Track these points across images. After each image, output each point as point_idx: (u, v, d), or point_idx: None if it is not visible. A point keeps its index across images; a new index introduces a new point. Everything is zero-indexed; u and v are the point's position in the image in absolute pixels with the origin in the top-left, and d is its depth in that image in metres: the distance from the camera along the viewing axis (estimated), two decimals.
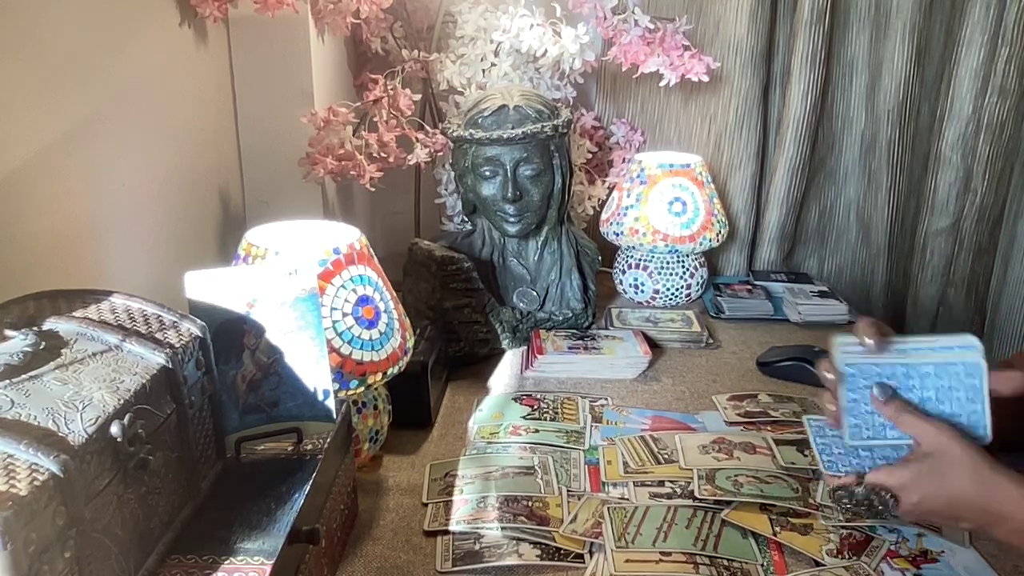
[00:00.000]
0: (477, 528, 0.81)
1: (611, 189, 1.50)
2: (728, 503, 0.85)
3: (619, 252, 1.48)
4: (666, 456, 0.94)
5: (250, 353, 0.73)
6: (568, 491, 0.88)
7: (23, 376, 0.53)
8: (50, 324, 0.59)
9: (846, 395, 0.72)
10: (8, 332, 0.56)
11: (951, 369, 0.71)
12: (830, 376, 0.73)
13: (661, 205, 1.38)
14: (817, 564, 0.77)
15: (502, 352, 1.24)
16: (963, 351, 0.71)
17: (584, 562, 0.77)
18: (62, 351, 0.57)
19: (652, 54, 1.35)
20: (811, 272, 1.61)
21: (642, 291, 1.44)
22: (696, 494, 0.86)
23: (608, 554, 0.77)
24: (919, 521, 0.81)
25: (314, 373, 0.74)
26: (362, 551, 0.79)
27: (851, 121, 1.54)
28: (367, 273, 0.87)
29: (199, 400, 0.65)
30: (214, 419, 0.69)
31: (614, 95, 1.57)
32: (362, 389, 0.86)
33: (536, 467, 0.92)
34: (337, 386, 0.81)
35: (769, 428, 1.02)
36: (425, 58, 1.36)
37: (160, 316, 0.65)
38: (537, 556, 0.78)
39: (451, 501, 0.86)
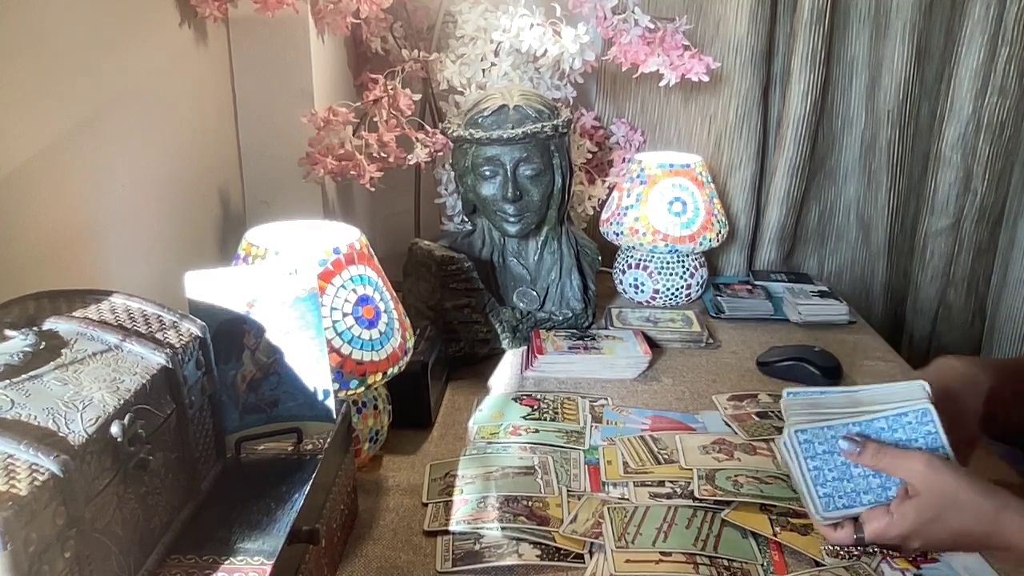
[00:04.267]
0: (477, 528, 0.81)
1: (611, 189, 1.50)
2: (728, 503, 0.85)
3: (619, 252, 1.48)
4: (666, 456, 0.94)
5: (250, 353, 0.72)
6: (568, 491, 0.87)
7: (23, 376, 0.53)
8: (50, 324, 0.59)
9: (806, 465, 0.71)
10: (8, 332, 0.56)
11: (902, 420, 0.71)
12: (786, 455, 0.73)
13: (661, 205, 1.38)
14: (817, 564, 0.77)
15: (502, 352, 1.24)
16: (908, 395, 0.72)
17: (584, 562, 0.77)
18: (62, 351, 0.57)
19: (652, 54, 1.35)
20: (811, 272, 1.61)
21: (642, 291, 1.44)
22: (696, 494, 0.86)
23: (608, 554, 0.77)
24: None
25: (314, 373, 0.74)
26: (362, 551, 0.79)
27: (851, 121, 1.54)
28: (367, 273, 0.87)
29: (199, 400, 0.65)
30: (214, 419, 0.69)
31: (614, 95, 1.57)
32: (362, 389, 0.86)
33: (536, 467, 0.92)
34: (337, 386, 0.81)
35: None
36: (425, 58, 1.36)
37: (160, 316, 0.65)
38: (537, 556, 0.78)
39: (451, 501, 0.86)
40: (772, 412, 1.05)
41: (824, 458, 0.71)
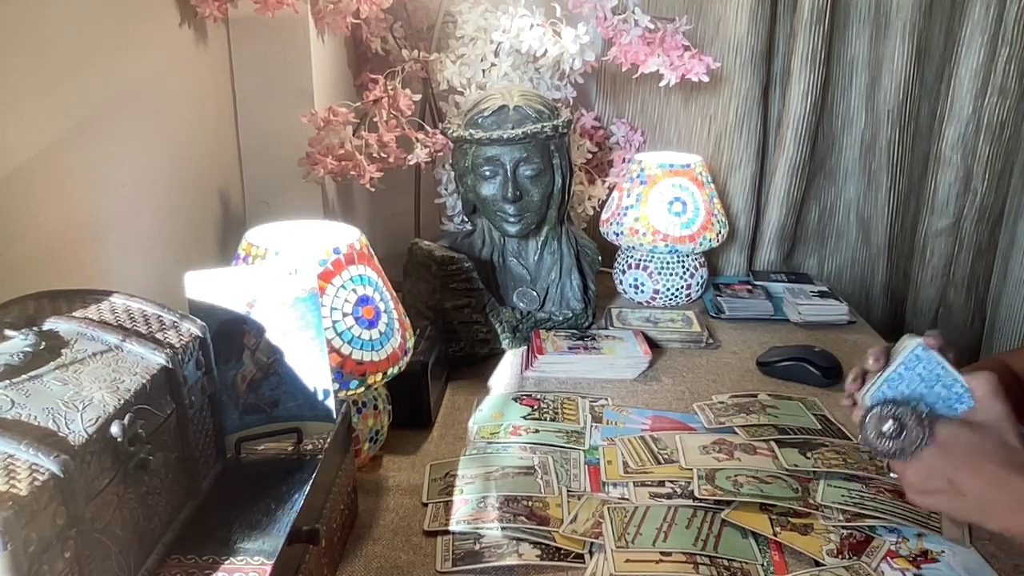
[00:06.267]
0: (477, 528, 0.81)
1: (611, 189, 1.50)
2: (728, 503, 0.85)
3: (619, 252, 1.48)
4: (666, 456, 0.94)
5: (250, 353, 0.72)
6: (568, 491, 0.87)
7: (23, 376, 0.53)
8: (50, 324, 0.59)
9: (896, 368, 0.70)
10: (8, 332, 0.56)
11: None
12: (871, 361, 0.72)
13: (661, 205, 1.38)
14: (817, 564, 0.77)
15: (502, 352, 1.24)
16: None
17: (584, 562, 0.77)
18: (62, 351, 0.57)
19: (652, 54, 1.35)
20: (811, 272, 1.61)
21: (642, 291, 1.44)
22: (696, 494, 0.86)
23: (608, 554, 0.77)
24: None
25: (314, 373, 0.74)
26: (362, 551, 0.79)
27: (851, 121, 1.54)
28: (367, 273, 0.87)
29: (199, 400, 0.65)
30: (214, 419, 0.69)
31: (614, 95, 1.57)
32: (362, 389, 0.86)
33: (536, 467, 0.92)
34: (337, 386, 0.81)
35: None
36: (425, 58, 1.36)
37: (160, 316, 0.65)
38: (537, 556, 0.78)
39: (451, 501, 0.86)
40: (771, 412, 1.05)
41: (912, 377, 0.70)
